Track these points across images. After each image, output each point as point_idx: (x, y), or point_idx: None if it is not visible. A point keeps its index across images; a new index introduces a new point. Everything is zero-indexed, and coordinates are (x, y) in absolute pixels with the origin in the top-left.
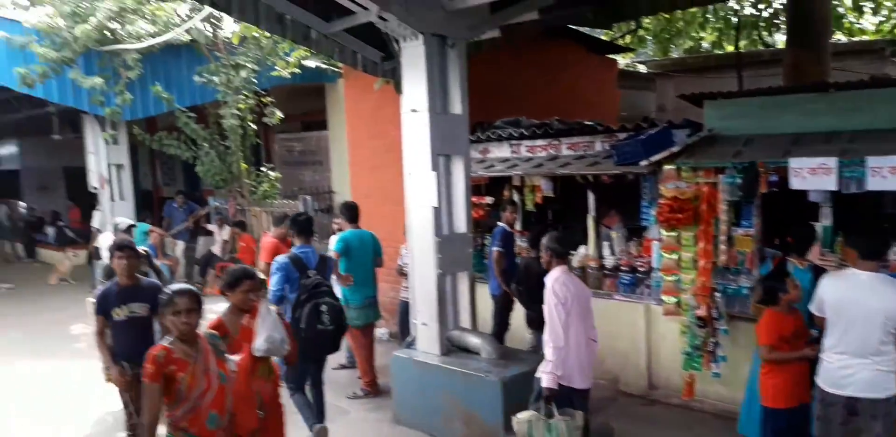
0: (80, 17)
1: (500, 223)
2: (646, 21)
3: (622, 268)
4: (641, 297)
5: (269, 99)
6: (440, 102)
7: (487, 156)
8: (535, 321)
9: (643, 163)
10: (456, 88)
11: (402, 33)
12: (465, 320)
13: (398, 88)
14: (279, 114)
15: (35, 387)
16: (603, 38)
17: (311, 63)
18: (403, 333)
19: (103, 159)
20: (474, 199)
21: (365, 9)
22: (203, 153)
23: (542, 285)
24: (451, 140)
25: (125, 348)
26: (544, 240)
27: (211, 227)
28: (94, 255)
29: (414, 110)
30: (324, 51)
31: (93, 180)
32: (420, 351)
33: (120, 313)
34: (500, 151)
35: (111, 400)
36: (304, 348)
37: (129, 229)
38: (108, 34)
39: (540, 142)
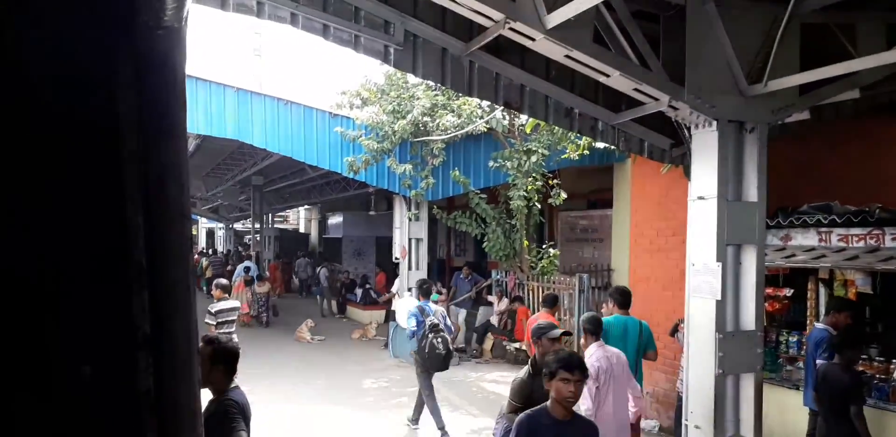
0: (401, 113)
1: (819, 324)
2: None
3: None
4: None
5: (556, 181)
6: (733, 188)
7: (789, 243)
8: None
9: None
10: (752, 174)
11: (693, 121)
12: (747, 428)
13: (687, 174)
14: (564, 195)
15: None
16: None
17: (601, 144)
18: (677, 429)
19: (406, 234)
20: (770, 290)
21: (655, 99)
22: (490, 230)
23: (845, 397)
24: (744, 229)
25: None
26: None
27: (491, 298)
28: (391, 316)
29: (701, 197)
30: (609, 140)
31: (396, 251)
32: None
33: None
34: (806, 238)
35: None
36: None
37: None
38: (421, 127)
39: (856, 230)
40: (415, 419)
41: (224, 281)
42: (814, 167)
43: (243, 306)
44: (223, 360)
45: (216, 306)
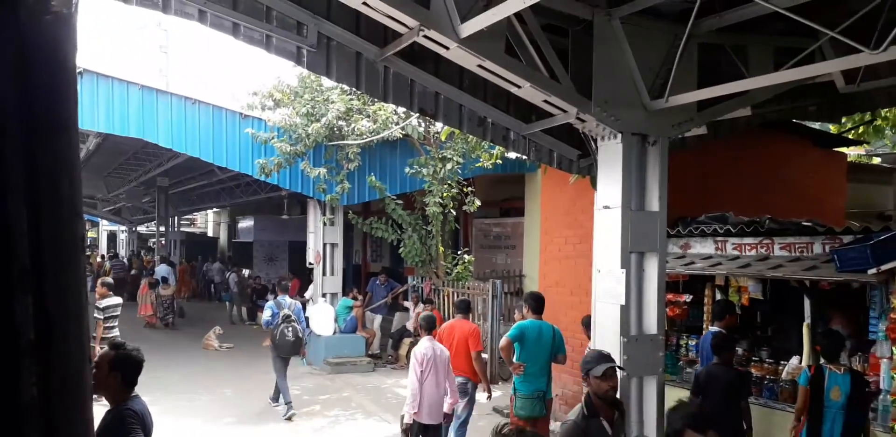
0: (314, 116)
1: (713, 327)
2: (884, 111)
3: None
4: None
5: (471, 188)
6: (636, 198)
7: (688, 251)
8: None
9: (871, 271)
10: (654, 185)
11: (600, 133)
12: (650, 428)
13: (594, 184)
14: (478, 202)
15: None
16: (831, 129)
17: (513, 154)
18: None
19: (320, 239)
20: (671, 296)
21: (564, 111)
22: (406, 236)
23: (729, 399)
24: (646, 237)
25: None
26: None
27: (407, 304)
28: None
29: (606, 207)
30: (520, 150)
31: (310, 256)
32: None
33: None
34: (703, 247)
35: None
36: None
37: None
38: (336, 131)
39: (749, 240)
40: (274, 398)
41: (109, 279)
42: (711, 179)
43: (147, 308)
44: (123, 367)
45: (103, 303)
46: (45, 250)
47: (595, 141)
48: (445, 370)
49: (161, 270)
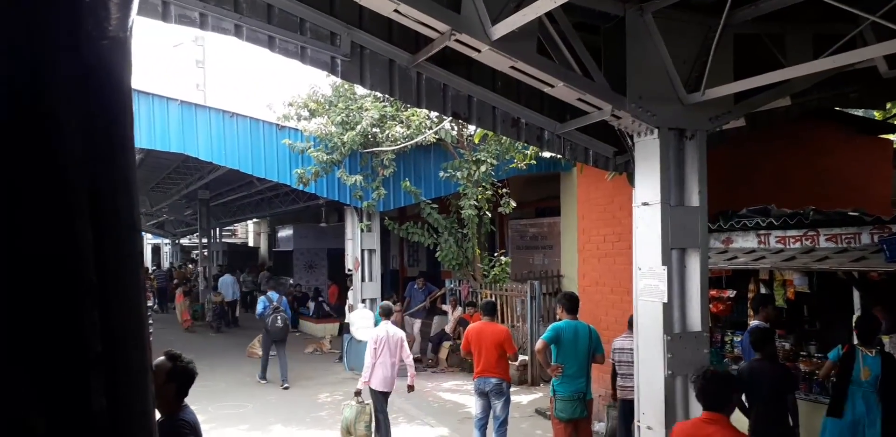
0: (349, 124)
1: (754, 321)
2: None
3: None
4: None
5: (505, 190)
6: (675, 194)
7: (731, 246)
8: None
9: None
10: (693, 180)
11: (636, 129)
12: None
13: (631, 181)
14: (513, 203)
15: None
16: (875, 115)
17: (548, 154)
18: (622, 431)
19: (358, 245)
20: (714, 292)
21: (598, 108)
22: (443, 240)
23: (774, 395)
24: (687, 233)
25: None
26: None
27: (445, 307)
28: (345, 329)
29: (645, 203)
30: (555, 149)
31: (349, 263)
32: None
33: None
34: (746, 241)
35: None
36: None
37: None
38: (370, 138)
39: (792, 232)
40: (262, 376)
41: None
42: (751, 172)
43: (185, 314)
44: (178, 379)
45: None
46: (108, 266)
47: (631, 137)
48: (396, 350)
49: (225, 280)
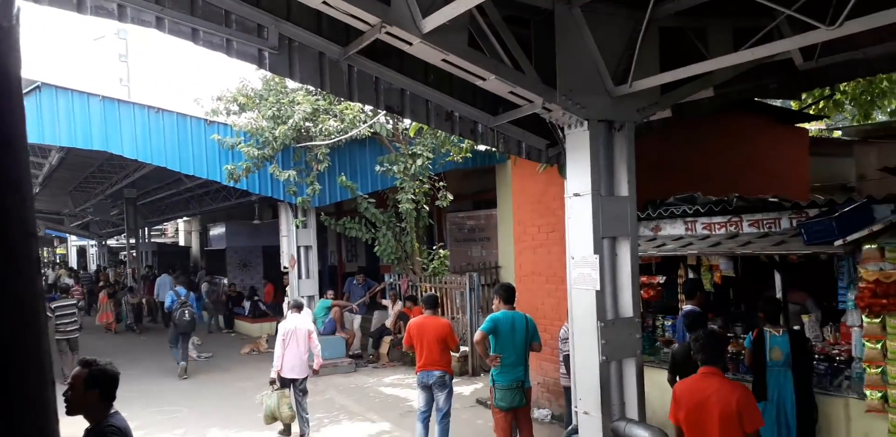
0: (281, 119)
1: (687, 306)
2: (842, 85)
3: (817, 356)
4: (839, 390)
5: (442, 183)
6: (605, 184)
7: (659, 233)
8: None
9: (837, 242)
10: (623, 170)
11: (566, 121)
12: (632, 410)
13: (563, 173)
14: (450, 196)
15: None
16: (792, 105)
17: (482, 147)
18: (568, 418)
19: (294, 242)
20: (644, 278)
21: (530, 101)
22: (381, 234)
23: None
24: (617, 222)
25: None
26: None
27: (385, 302)
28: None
29: (577, 194)
30: (489, 142)
31: (284, 261)
32: None
33: None
34: (674, 228)
35: None
36: None
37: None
38: (303, 132)
39: (718, 219)
40: (183, 370)
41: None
42: (678, 161)
43: (107, 315)
44: (99, 384)
45: (55, 303)
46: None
47: (562, 130)
48: (304, 340)
49: (163, 280)
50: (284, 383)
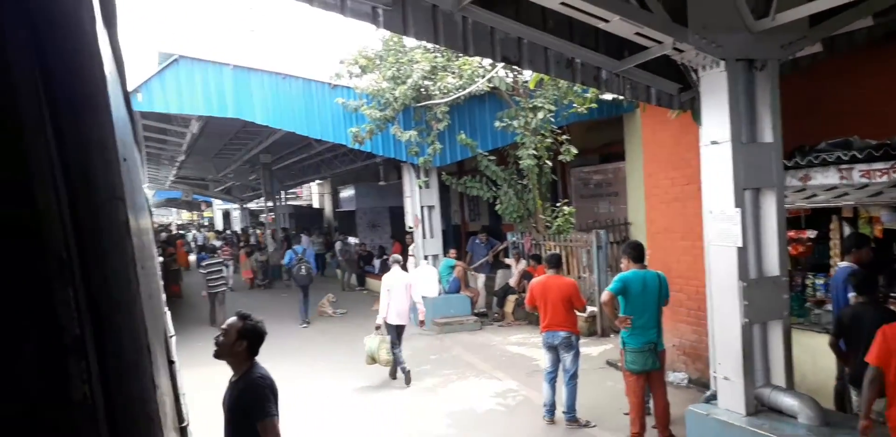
0: (400, 79)
1: (843, 263)
2: None
3: None
4: None
5: (566, 136)
6: (746, 131)
7: (809, 183)
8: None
9: None
10: (766, 114)
11: (700, 62)
12: (778, 376)
13: (697, 119)
14: (574, 150)
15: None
16: None
17: (608, 95)
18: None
19: (417, 202)
20: (792, 233)
21: (658, 42)
22: (502, 193)
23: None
24: (761, 172)
25: None
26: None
27: (508, 261)
28: None
29: (714, 142)
30: (615, 90)
31: (409, 220)
32: (721, 408)
33: None
34: (826, 177)
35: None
36: None
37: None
38: (423, 91)
39: (879, 165)
40: (302, 321)
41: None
42: (830, 103)
43: (247, 273)
44: (248, 337)
45: (204, 262)
46: (86, 239)
47: (696, 72)
48: (405, 290)
49: (305, 239)
50: (390, 329)
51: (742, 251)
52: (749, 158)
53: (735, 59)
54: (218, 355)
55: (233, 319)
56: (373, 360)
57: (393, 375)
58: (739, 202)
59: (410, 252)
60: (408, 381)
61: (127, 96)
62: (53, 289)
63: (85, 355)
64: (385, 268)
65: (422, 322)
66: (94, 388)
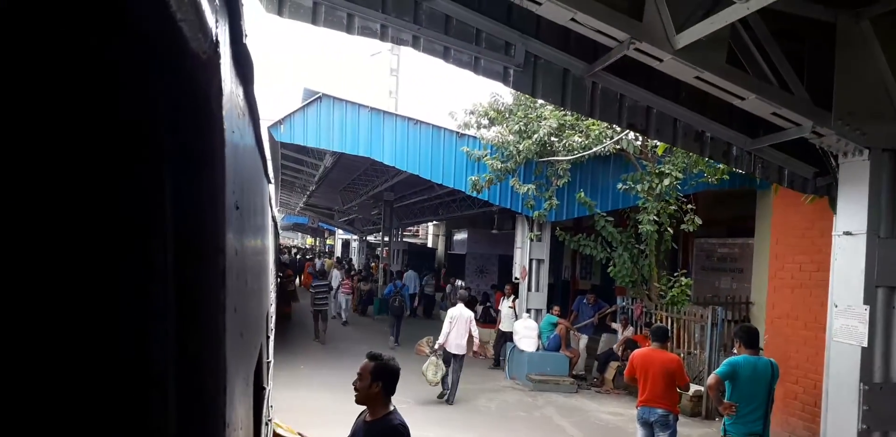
0: (527, 133)
1: None
2: None
3: None
4: None
5: (691, 206)
6: (886, 224)
7: None
8: None
9: None
10: None
11: (841, 148)
12: None
13: (833, 206)
14: (698, 221)
15: None
16: None
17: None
18: None
19: (527, 254)
20: None
21: (796, 124)
22: (616, 255)
23: None
24: None
25: None
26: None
27: (615, 325)
28: (503, 337)
29: (847, 233)
30: (745, 167)
31: (516, 271)
32: None
33: None
34: None
35: None
36: None
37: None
38: (547, 147)
39: None
40: (394, 340)
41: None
42: None
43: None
44: (383, 377)
45: (315, 282)
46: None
47: (835, 157)
48: (465, 324)
49: (409, 274)
50: (447, 356)
51: (867, 352)
52: (885, 254)
53: (881, 149)
54: (359, 401)
55: (364, 361)
56: (424, 376)
57: (442, 396)
58: (869, 299)
59: (510, 304)
60: (443, 398)
61: (259, 140)
62: (149, 329)
63: (166, 391)
64: (487, 315)
65: (475, 353)
66: (169, 424)
